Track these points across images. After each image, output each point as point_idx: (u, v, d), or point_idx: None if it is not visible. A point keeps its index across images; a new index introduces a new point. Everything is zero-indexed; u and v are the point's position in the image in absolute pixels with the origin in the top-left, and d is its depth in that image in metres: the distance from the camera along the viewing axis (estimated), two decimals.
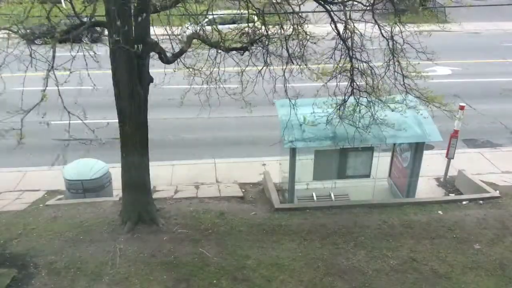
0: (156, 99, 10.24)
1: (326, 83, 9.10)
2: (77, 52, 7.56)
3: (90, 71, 8.06)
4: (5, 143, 7.86)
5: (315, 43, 8.43)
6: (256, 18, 8.87)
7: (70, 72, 7.06)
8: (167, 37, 8.78)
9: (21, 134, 6.66)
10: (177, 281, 8.30)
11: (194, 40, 8.92)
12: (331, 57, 8.80)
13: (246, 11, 8.48)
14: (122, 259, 8.78)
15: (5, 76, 7.38)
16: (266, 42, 8.69)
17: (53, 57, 7.04)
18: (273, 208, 10.70)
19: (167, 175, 13.34)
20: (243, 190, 12.21)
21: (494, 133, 16.44)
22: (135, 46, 7.71)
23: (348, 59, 8.70)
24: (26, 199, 11.69)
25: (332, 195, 11.61)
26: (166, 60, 8.76)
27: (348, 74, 8.92)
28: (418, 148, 10.95)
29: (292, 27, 8.28)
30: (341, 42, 8.56)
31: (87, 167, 11.21)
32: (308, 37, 8.39)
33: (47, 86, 6.77)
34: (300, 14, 8.29)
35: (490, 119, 17.31)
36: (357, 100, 9.32)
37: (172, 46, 8.84)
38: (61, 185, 11.75)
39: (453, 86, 19.76)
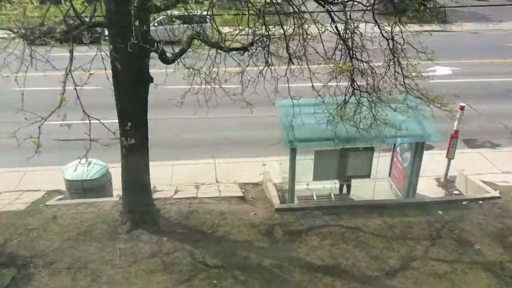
0: (156, 99, 10.22)
1: (326, 83, 9.08)
2: (96, 53, 7.44)
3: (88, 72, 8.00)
4: (4, 143, 7.85)
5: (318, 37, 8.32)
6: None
7: (90, 74, 6.95)
8: (168, 36, 8.75)
9: (38, 142, 6.53)
10: (177, 281, 8.30)
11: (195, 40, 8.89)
12: (331, 57, 8.79)
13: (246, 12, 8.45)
14: (122, 259, 8.78)
15: (5, 76, 7.37)
16: (267, 43, 8.67)
17: (71, 59, 6.92)
18: (273, 208, 10.69)
19: (167, 175, 13.32)
20: (243, 190, 12.20)
21: (494, 133, 16.43)
22: (135, 46, 7.68)
23: (348, 59, 8.69)
24: (26, 199, 11.66)
25: (332, 195, 11.61)
26: (166, 60, 8.75)
27: (349, 74, 8.91)
28: (418, 148, 10.93)
29: (292, 27, 8.26)
30: (342, 42, 8.55)
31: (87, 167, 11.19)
32: (309, 37, 8.36)
33: (65, 90, 6.69)
34: (300, 14, 8.27)
35: (490, 119, 17.30)
36: (358, 100, 9.31)
37: (172, 46, 8.82)
38: (61, 185, 11.75)
39: (453, 86, 19.74)
